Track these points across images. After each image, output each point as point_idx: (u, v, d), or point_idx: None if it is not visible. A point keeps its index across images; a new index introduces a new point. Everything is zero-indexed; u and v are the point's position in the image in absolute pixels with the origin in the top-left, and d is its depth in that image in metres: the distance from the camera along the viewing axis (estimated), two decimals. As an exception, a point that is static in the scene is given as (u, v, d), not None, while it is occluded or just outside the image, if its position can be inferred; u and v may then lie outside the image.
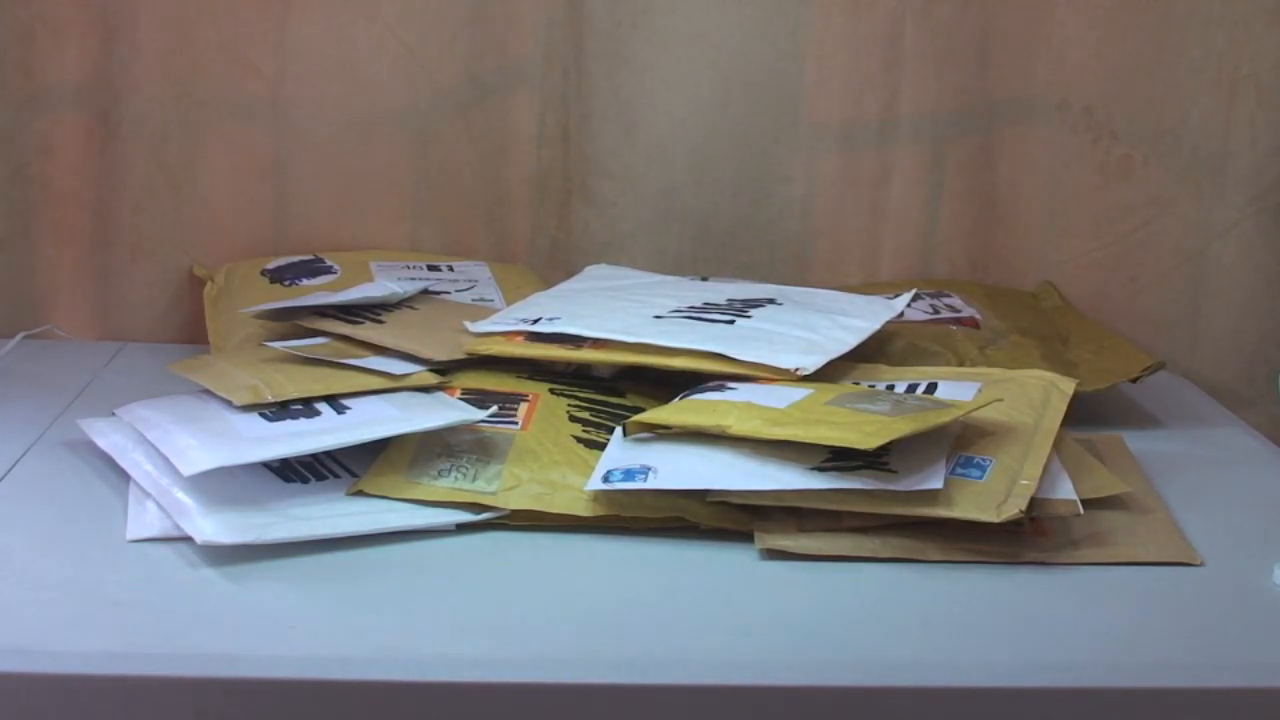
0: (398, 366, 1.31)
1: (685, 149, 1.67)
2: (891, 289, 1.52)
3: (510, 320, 1.39)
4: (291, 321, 1.42)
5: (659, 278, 1.54)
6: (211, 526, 1.10)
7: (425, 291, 1.51)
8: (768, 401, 1.20)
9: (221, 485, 1.14)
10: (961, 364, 1.45)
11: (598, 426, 1.26)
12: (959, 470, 1.16)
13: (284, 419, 1.20)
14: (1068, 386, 1.30)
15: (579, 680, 0.97)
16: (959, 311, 1.56)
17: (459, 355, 1.35)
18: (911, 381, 1.32)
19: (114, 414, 1.28)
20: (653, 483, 1.16)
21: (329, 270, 1.59)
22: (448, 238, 1.68)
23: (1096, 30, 1.66)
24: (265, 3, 1.59)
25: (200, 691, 0.95)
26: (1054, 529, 1.18)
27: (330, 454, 1.20)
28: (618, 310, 1.39)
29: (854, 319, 1.39)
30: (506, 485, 1.18)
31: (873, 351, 1.39)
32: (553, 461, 1.20)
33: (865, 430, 1.13)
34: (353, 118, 1.63)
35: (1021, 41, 1.67)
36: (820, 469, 1.14)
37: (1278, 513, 1.27)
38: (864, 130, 1.68)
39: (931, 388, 1.30)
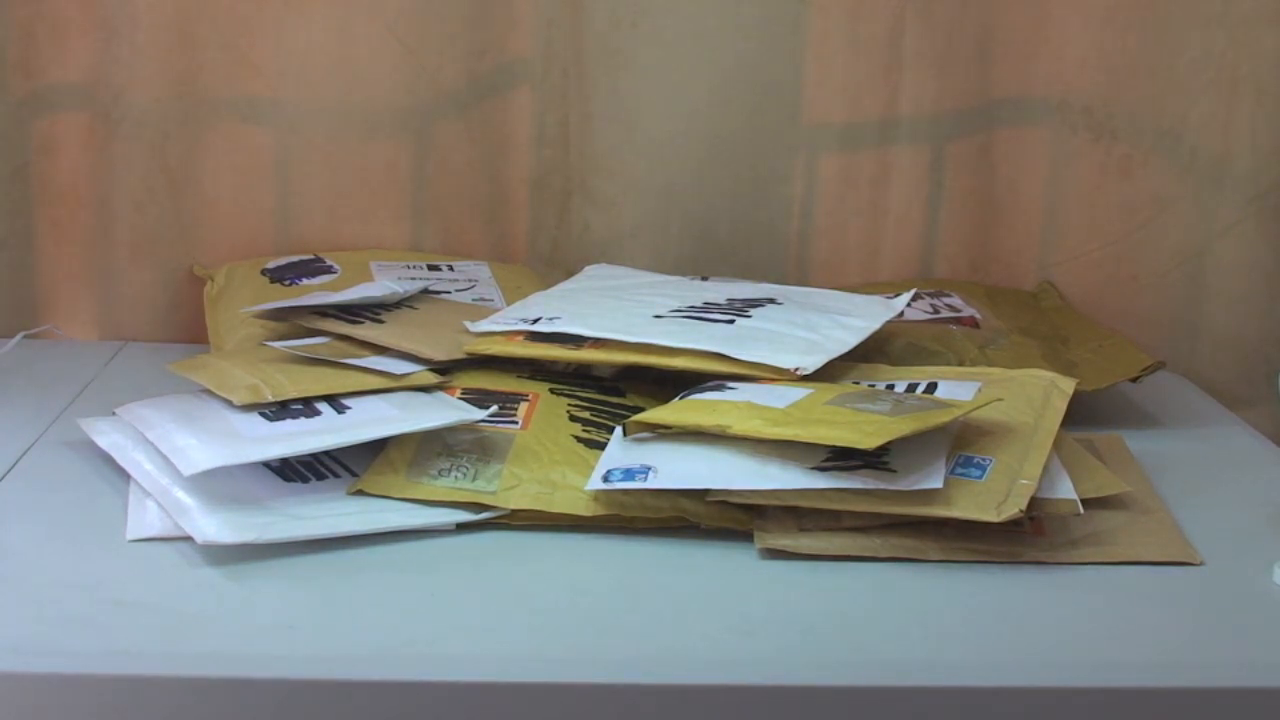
0: (398, 366, 1.31)
1: (685, 149, 1.67)
2: (891, 289, 1.52)
3: (510, 320, 1.39)
4: (291, 321, 1.42)
5: (659, 277, 1.54)
6: (212, 526, 1.10)
7: (425, 291, 1.51)
8: (768, 401, 1.20)
9: (221, 485, 1.14)
10: (961, 364, 1.44)
11: (598, 426, 1.26)
12: (959, 470, 1.16)
13: (284, 419, 1.20)
14: (1068, 386, 1.30)
15: (579, 680, 0.97)
16: (959, 311, 1.56)
17: (459, 355, 1.35)
18: (911, 381, 1.32)
19: (114, 413, 1.28)
20: (653, 482, 1.16)
21: (329, 270, 1.59)
22: (448, 238, 1.68)
23: (1096, 30, 1.66)
24: (265, 2, 1.59)
25: (200, 691, 0.95)
26: (1054, 529, 1.18)
27: (330, 454, 1.20)
28: (618, 310, 1.39)
29: (854, 319, 1.39)
30: (506, 485, 1.18)
31: (873, 351, 1.39)
32: (553, 461, 1.20)
33: (865, 430, 1.13)
34: (353, 118, 1.63)
35: (1021, 41, 1.67)
36: (820, 469, 1.14)
37: (1278, 513, 1.27)
38: (864, 130, 1.68)
39: (931, 388, 1.30)
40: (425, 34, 1.62)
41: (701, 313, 1.37)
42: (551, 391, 1.31)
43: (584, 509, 1.17)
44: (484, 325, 1.39)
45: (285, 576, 1.08)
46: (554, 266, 1.69)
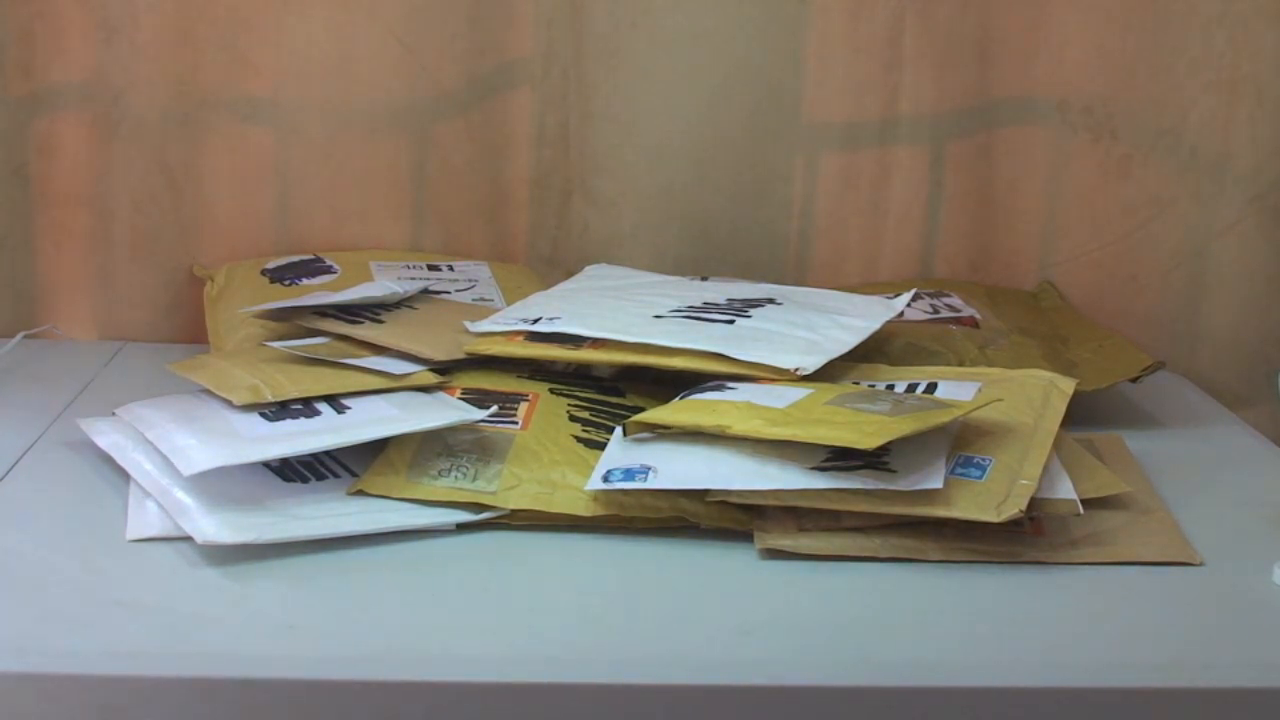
0: (398, 366, 1.31)
1: (685, 149, 1.67)
2: (891, 289, 1.52)
3: (510, 320, 1.39)
4: (291, 321, 1.42)
5: (659, 278, 1.54)
6: (211, 526, 1.10)
7: (425, 291, 1.51)
8: (767, 401, 1.20)
9: (221, 485, 1.14)
10: (961, 364, 1.45)
11: (598, 426, 1.26)
12: (959, 470, 1.16)
13: (284, 419, 1.20)
14: (1068, 386, 1.30)
15: (579, 680, 0.97)
16: (959, 311, 1.56)
17: (459, 355, 1.35)
18: (911, 381, 1.32)
19: (114, 414, 1.27)
20: (653, 482, 1.16)
21: (329, 270, 1.59)
22: (448, 238, 1.68)
23: (1096, 30, 1.66)
24: (265, 2, 1.59)
25: (200, 691, 0.95)
26: (1054, 529, 1.18)
27: (330, 454, 1.20)
28: (618, 310, 1.39)
29: (854, 319, 1.39)
30: (506, 485, 1.18)
31: (873, 351, 1.39)
32: (553, 461, 1.20)
33: (865, 430, 1.13)
34: (353, 118, 1.63)
35: (1021, 41, 1.67)
36: (820, 469, 1.14)
37: (1278, 513, 1.27)
38: (864, 130, 1.68)
39: (931, 388, 1.30)
40: (425, 34, 1.62)
41: (701, 313, 1.37)
42: (551, 391, 1.31)
43: (584, 509, 1.17)
44: (484, 325, 1.39)
45: (285, 576, 1.08)
46: (554, 266, 1.69)
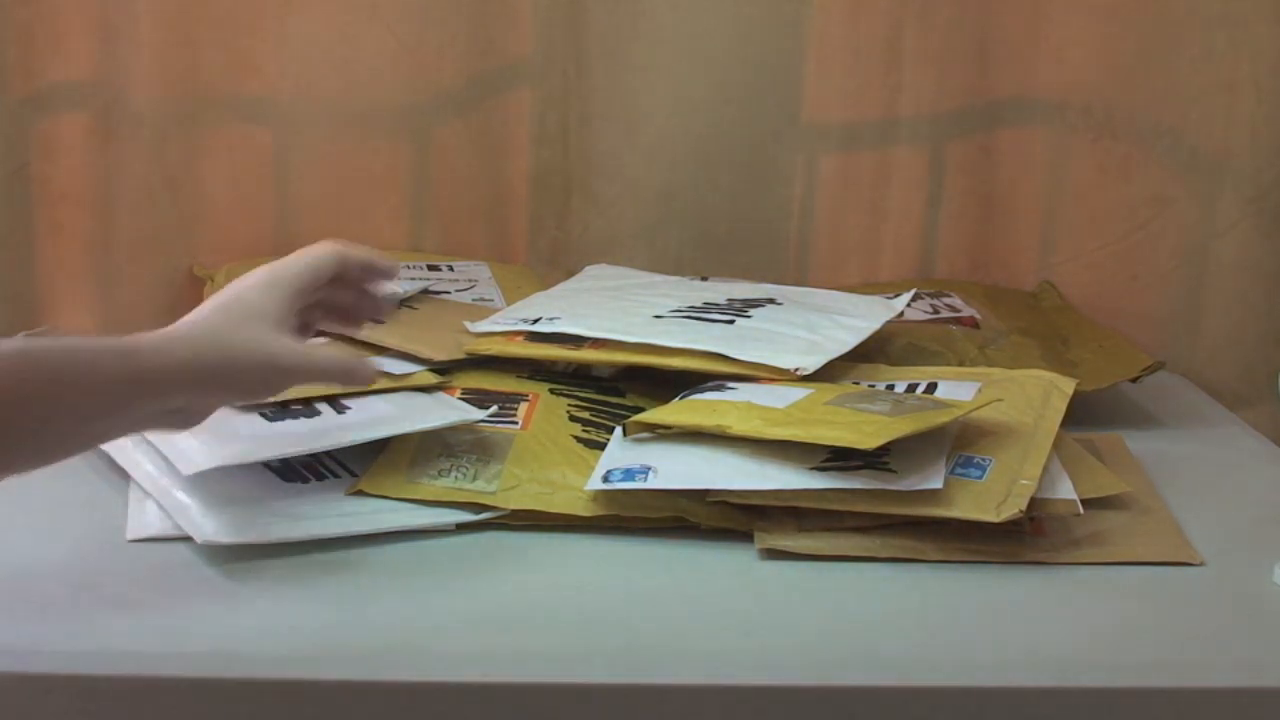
0: (398, 366, 1.31)
1: (685, 149, 1.67)
2: (891, 289, 1.52)
3: (510, 320, 1.39)
4: (291, 321, 1.42)
5: (659, 278, 1.54)
6: (211, 526, 1.10)
7: (425, 291, 1.51)
8: (768, 401, 1.20)
9: (221, 485, 1.14)
10: (961, 364, 1.44)
11: (598, 426, 1.26)
12: (959, 470, 1.16)
13: (284, 419, 1.20)
14: (1068, 386, 1.30)
15: (579, 680, 0.97)
16: (959, 311, 1.56)
17: (459, 355, 1.35)
18: (911, 381, 1.32)
19: (114, 414, 1.27)
20: (653, 483, 1.16)
21: (329, 270, 1.58)
22: (448, 238, 1.68)
23: (1096, 30, 1.66)
24: (265, 2, 1.59)
25: (200, 691, 0.95)
26: (1054, 529, 1.18)
27: (330, 454, 1.20)
28: (618, 310, 1.39)
29: (854, 319, 1.39)
30: (506, 485, 1.18)
31: (873, 351, 1.39)
32: (553, 461, 1.20)
33: (865, 430, 1.13)
34: (353, 117, 1.63)
35: (1021, 41, 1.67)
36: (820, 469, 1.14)
37: (1278, 513, 1.27)
38: (864, 130, 1.68)
39: (931, 388, 1.30)
40: (425, 34, 1.62)
41: (701, 313, 1.37)
42: (551, 391, 1.31)
43: (584, 509, 1.17)
44: (484, 325, 1.39)
45: (285, 576, 1.08)
46: (554, 267, 1.69)
